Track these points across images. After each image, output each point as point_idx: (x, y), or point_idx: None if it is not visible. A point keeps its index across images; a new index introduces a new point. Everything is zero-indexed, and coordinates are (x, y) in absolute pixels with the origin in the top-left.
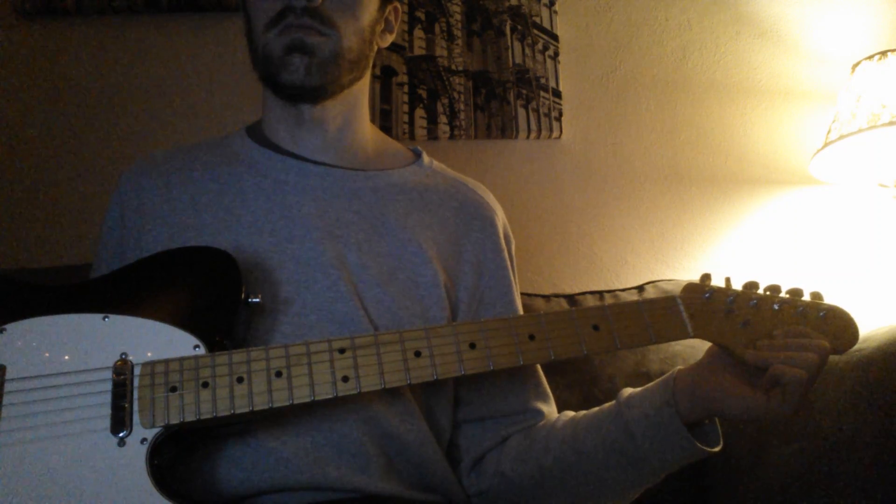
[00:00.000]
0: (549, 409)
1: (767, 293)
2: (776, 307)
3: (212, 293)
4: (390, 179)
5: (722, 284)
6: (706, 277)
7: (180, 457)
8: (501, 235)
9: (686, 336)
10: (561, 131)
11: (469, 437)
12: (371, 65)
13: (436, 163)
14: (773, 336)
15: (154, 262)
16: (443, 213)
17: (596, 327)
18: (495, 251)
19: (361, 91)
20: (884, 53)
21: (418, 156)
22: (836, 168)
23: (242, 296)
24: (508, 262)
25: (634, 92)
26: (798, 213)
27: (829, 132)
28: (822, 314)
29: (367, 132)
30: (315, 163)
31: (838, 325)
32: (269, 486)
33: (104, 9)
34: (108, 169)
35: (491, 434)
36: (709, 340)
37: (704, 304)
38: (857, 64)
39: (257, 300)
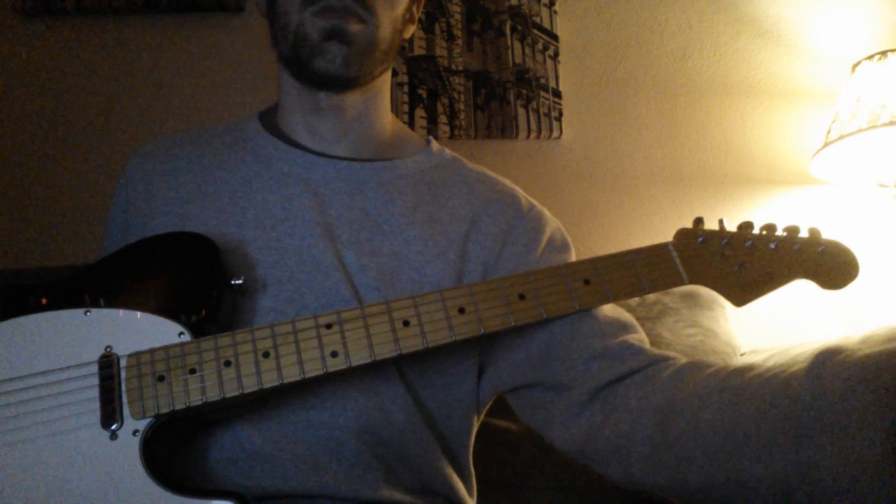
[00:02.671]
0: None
1: (763, 233)
2: (773, 246)
3: (193, 278)
4: (397, 171)
5: (716, 227)
6: (699, 221)
7: (176, 450)
8: (522, 227)
9: (680, 283)
10: (561, 131)
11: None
12: (396, 55)
13: (448, 151)
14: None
15: (132, 251)
16: (452, 204)
17: (587, 281)
18: (504, 243)
19: (384, 81)
20: (884, 53)
21: (428, 144)
22: (836, 168)
23: (225, 278)
24: (526, 256)
25: (634, 92)
26: (798, 213)
27: (829, 132)
28: (820, 249)
29: (385, 122)
30: (322, 155)
31: (837, 261)
32: (266, 493)
33: (104, 9)
34: (108, 169)
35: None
36: (704, 286)
37: (698, 248)
38: (857, 64)
39: (240, 282)
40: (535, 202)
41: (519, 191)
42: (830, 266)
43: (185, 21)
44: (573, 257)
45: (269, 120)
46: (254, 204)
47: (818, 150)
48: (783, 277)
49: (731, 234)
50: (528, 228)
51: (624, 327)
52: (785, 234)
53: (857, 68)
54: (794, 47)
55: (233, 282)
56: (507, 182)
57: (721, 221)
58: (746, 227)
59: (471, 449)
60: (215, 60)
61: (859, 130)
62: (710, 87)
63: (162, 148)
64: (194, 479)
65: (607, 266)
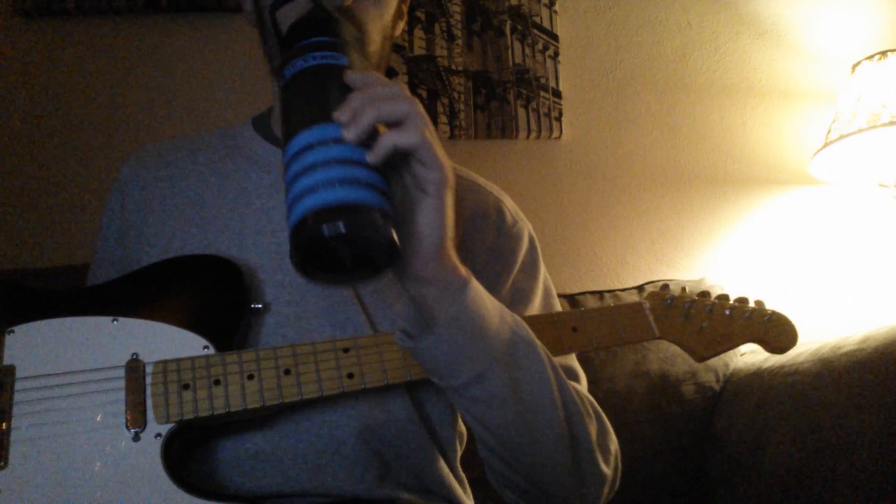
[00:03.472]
0: None
1: (717, 301)
2: (727, 312)
3: (218, 299)
4: None
5: (677, 293)
6: (665, 287)
7: (184, 456)
8: (503, 246)
9: (653, 337)
10: (561, 131)
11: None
12: (388, 57)
13: None
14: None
15: (160, 268)
16: None
17: (575, 329)
18: (486, 263)
19: None
20: (884, 53)
21: None
22: (836, 168)
23: (246, 302)
24: (499, 278)
25: (634, 92)
26: (798, 213)
27: (829, 132)
28: (766, 318)
29: None
30: None
31: (780, 328)
32: (267, 492)
33: (104, 9)
34: (108, 169)
35: None
36: (671, 341)
37: (666, 310)
38: (857, 64)
39: (259, 306)
40: (517, 213)
41: (504, 201)
42: (775, 333)
43: (185, 21)
44: (540, 272)
45: (264, 125)
46: (253, 210)
47: (818, 150)
48: (736, 339)
49: (694, 300)
50: (508, 248)
51: (575, 376)
52: (737, 303)
53: (857, 68)
54: (794, 47)
55: (252, 306)
56: (494, 189)
57: (683, 288)
58: (705, 294)
59: (459, 456)
60: (215, 60)
61: (859, 130)
62: (709, 87)
63: (155, 154)
64: (197, 479)
65: (592, 317)
